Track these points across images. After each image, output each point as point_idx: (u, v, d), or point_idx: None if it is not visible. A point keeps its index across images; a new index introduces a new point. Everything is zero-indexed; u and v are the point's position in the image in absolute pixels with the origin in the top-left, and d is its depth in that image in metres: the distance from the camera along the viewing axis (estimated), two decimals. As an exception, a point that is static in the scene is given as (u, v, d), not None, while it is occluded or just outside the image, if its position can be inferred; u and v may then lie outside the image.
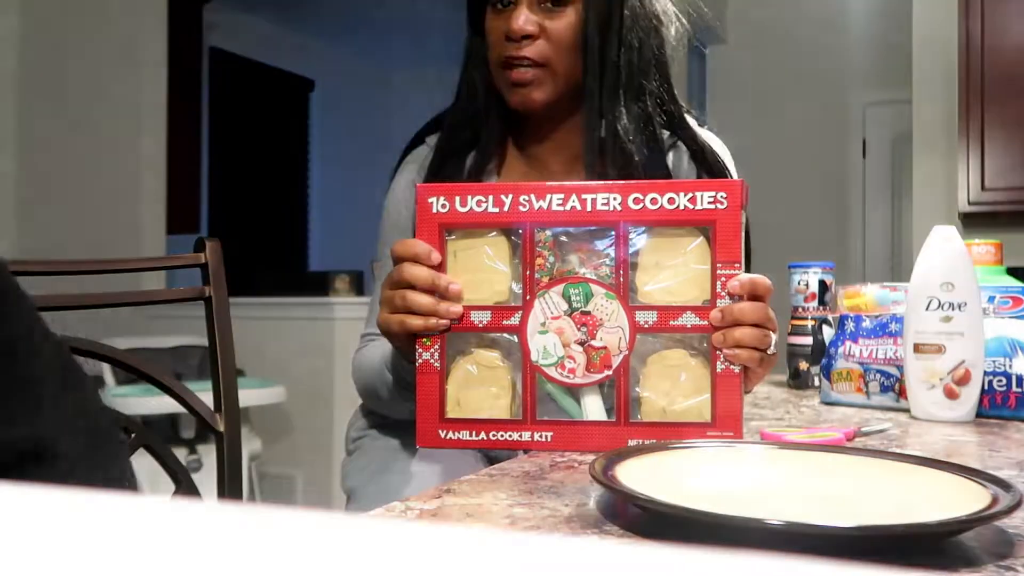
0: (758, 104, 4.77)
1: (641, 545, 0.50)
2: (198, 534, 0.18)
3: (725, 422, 0.79)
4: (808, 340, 1.37)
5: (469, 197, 0.81)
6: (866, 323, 1.18)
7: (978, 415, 1.03)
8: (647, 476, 0.58)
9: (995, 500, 0.50)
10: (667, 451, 0.66)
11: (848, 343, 1.18)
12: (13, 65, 3.27)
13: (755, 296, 0.80)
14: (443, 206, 0.82)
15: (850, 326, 1.20)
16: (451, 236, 0.83)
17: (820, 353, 1.26)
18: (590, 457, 0.74)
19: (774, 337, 0.82)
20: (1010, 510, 0.49)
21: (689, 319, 0.80)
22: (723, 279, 0.79)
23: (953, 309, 1.01)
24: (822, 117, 4.76)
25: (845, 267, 4.48)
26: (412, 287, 0.82)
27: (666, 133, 1.11)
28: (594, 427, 0.81)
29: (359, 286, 3.72)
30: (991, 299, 1.17)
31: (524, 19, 1.02)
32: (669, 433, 0.79)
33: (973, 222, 3.21)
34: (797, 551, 0.34)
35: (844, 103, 4.77)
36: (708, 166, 1.09)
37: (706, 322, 0.80)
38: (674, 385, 0.80)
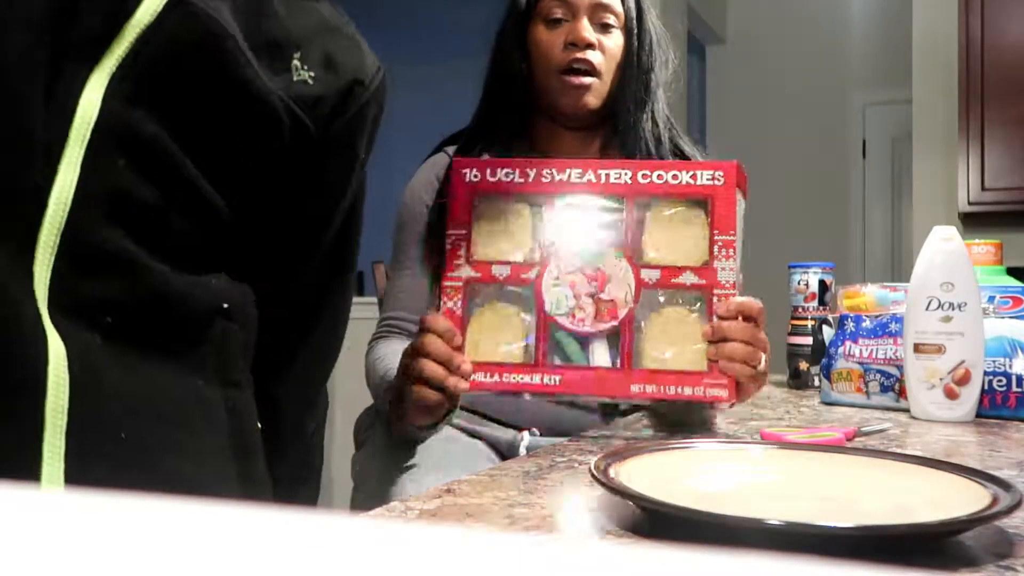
0: (758, 104, 4.76)
1: (641, 545, 0.50)
2: (198, 534, 0.18)
3: (719, 372, 0.86)
4: (808, 340, 1.37)
5: (498, 169, 0.93)
6: (866, 323, 1.18)
7: (978, 415, 1.03)
8: (647, 476, 0.58)
9: (995, 500, 0.50)
10: (667, 451, 0.66)
11: (848, 343, 1.18)
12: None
13: (746, 318, 0.86)
14: (475, 175, 0.93)
15: (850, 326, 1.20)
16: (480, 201, 0.93)
17: (820, 353, 1.26)
18: (590, 457, 0.75)
19: (764, 356, 0.88)
20: (1010, 510, 0.49)
21: (689, 277, 0.88)
22: (719, 243, 0.88)
23: (953, 309, 1.01)
24: (822, 117, 4.76)
25: (845, 267, 4.48)
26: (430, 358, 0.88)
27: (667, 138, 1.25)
28: (600, 372, 0.88)
29: (360, 286, 3.71)
30: (991, 299, 1.17)
31: (588, 31, 1.16)
32: (668, 379, 0.86)
33: (973, 222, 3.20)
34: (797, 551, 0.34)
35: (844, 103, 4.77)
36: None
37: (704, 280, 0.88)
38: (674, 337, 0.88)
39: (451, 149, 1.26)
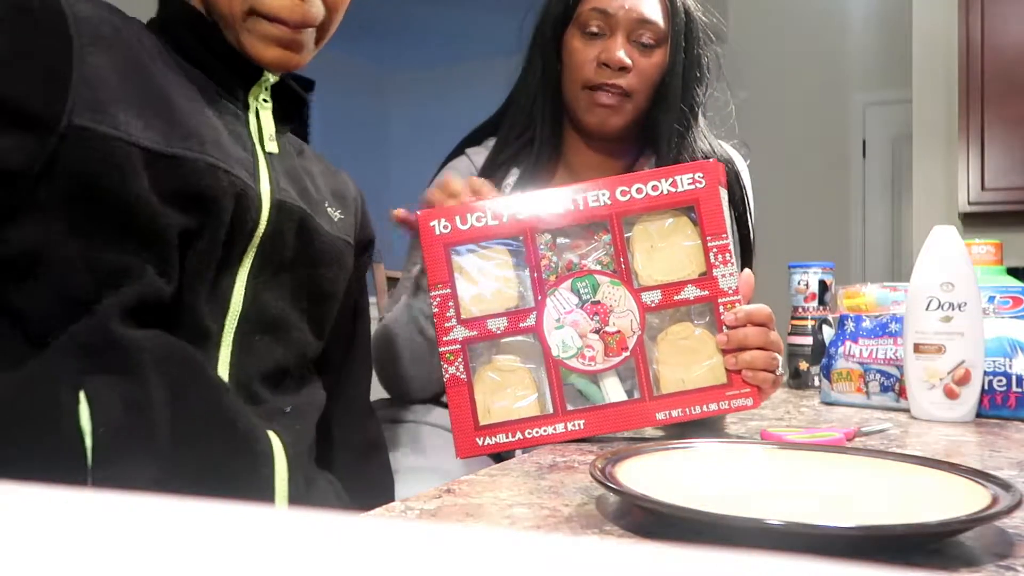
0: (758, 104, 4.76)
1: (641, 545, 0.50)
2: (198, 534, 0.18)
3: (740, 381, 0.84)
4: (808, 340, 1.37)
5: (468, 215, 0.87)
6: (866, 323, 1.18)
7: (978, 415, 1.03)
8: (647, 476, 0.58)
9: (995, 500, 0.50)
10: (667, 451, 0.66)
11: (848, 343, 1.18)
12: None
13: (756, 323, 0.84)
14: (445, 227, 0.87)
15: (850, 326, 1.20)
16: (456, 255, 0.88)
17: (820, 353, 1.26)
18: (590, 457, 0.75)
19: (780, 359, 0.86)
20: (1010, 510, 0.49)
21: (691, 292, 0.85)
22: (714, 250, 0.85)
23: (953, 309, 1.01)
24: (822, 117, 4.76)
25: (845, 267, 4.48)
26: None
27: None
28: (622, 407, 0.85)
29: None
30: (991, 299, 1.17)
31: (624, 52, 1.10)
32: (691, 400, 0.84)
33: (973, 222, 3.21)
34: (797, 551, 0.34)
35: (844, 103, 4.77)
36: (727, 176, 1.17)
37: (707, 291, 0.85)
38: (686, 356, 0.85)
39: (472, 151, 1.22)
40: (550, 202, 0.87)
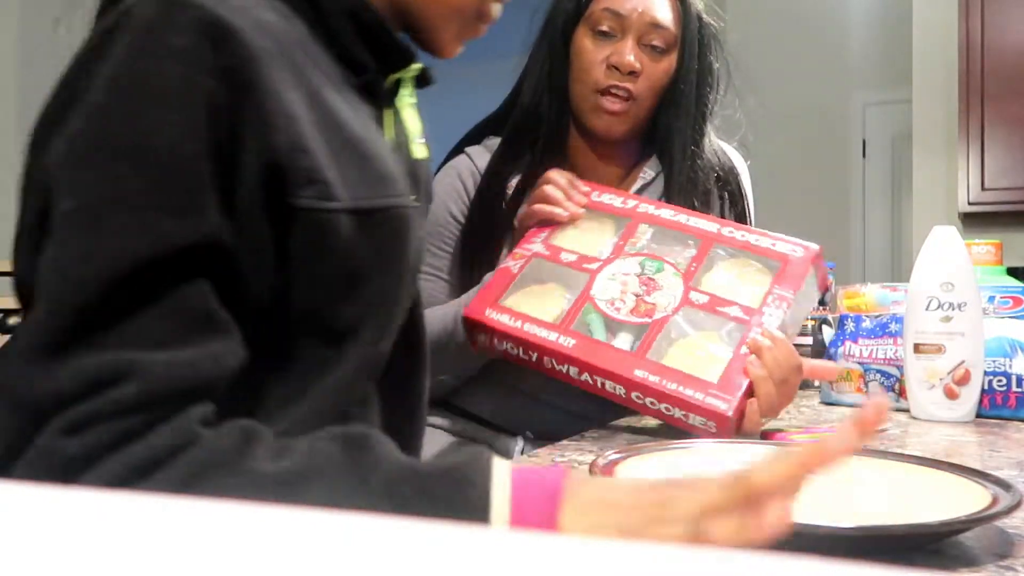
0: (758, 104, 4.75)
1: (641, 545, 0.50)
2: (199, 534, 0.18)
3: (727, 387, 0.83)
4: (808, 340, 1.37)
5: (604, 193, 1.04)
6: (866, 323, 1.18)
7: (978, 415, 1.03)
8: (647, 476, 0.58)
9: (995, 500, 0.50)
10: (667, 451, 0.66)
11: (848, 343, 1.18)
12: (13, 65, 3.27)
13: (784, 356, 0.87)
14: (584, 188, 1.05)
15: (850, 326, 1.20)
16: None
17: (820, 353, 1.26)
18: (590, 457, 0.75)
19: (795, 382, 0.88)
20: (1010, 510, 0.49)
21: (734, 311, 0.90)
22: (775, 295, 0.91)
23: (953, 309, 1.01)
24: (822, 117, 4.76)
25: (845, 267, 4.48)
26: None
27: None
28: (612, 351, 0.90)
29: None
30: (991, 299, 1.17)
31: (635, 56, 1.09)
32: (674, 376, 0.85)
33: (973, 222, 3.20)
34: (797, 551, 0.34)
35: (844, 103, 4.76)
36: (729, 187, 1.19)
37: (748, 317, 0.89)
38: (702, 352, 0.88)
39: (473, 150, 1.20)
40: (665, 210, 1.00)
